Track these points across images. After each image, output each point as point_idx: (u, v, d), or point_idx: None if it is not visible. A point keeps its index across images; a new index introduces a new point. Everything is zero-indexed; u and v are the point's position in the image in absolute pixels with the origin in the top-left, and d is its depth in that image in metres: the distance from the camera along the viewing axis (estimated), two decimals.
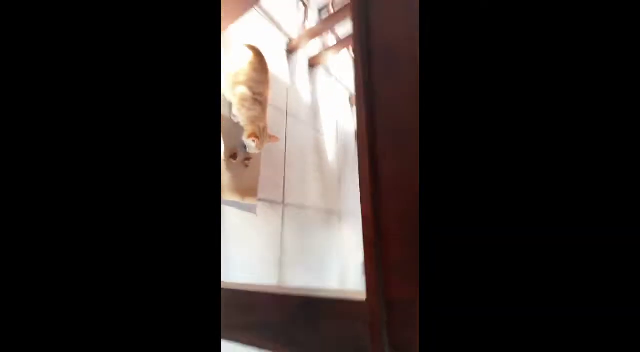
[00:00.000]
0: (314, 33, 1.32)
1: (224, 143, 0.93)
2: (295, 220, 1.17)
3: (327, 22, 1.30)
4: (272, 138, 0.93)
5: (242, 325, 0.45)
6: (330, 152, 1.51)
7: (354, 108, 1.84)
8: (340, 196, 1.51)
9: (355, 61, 0.37)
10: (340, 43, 1.47)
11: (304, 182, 1.28)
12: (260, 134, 0.88)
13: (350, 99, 1.83)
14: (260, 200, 1.02)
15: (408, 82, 0.32)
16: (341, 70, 1.79)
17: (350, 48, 1.83)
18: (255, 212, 0.99)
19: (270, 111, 0.94)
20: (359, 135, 0.37)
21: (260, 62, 0.91)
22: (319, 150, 1.42)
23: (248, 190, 0.97)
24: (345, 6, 1.20)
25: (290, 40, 1.34)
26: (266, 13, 1.26)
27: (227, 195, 0.90)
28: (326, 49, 1.49)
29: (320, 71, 1.56)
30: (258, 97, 0.88)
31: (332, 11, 1.54)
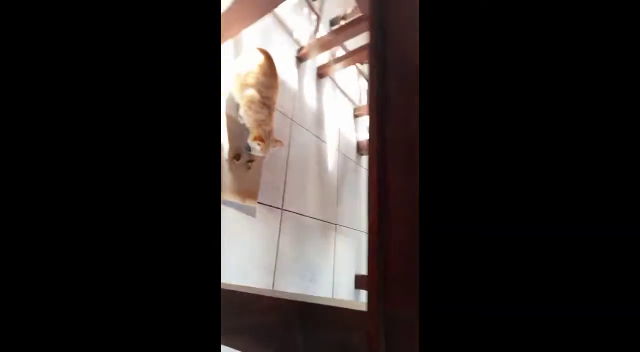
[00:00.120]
0: (324, 43, 1.34)
1: (229, 144, 0.93)
2: (292, 226, 1.17)
3: (338, 34, 1.32)
4: (277, 142, 0.93)
5: (234, 328, 0.44)
6: (331, 161, 1.52)
7: (357, 120, 1.86)
8: (338, 208, 1.50)
9: (370, 71, 0.38)
10: (349, 56, 1.49)
11: (304, 189, 1.27)
12: (266, 138, 0.89)
13: (354, 111, 1.85)
14: (259, 203, 1.01)
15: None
16: (347, 83, 1.82)
17: (358, 63, 1.86)
18: (254, 215, 0.98)
19: (275, 116, 0.94)
20: (369, 145, 0.37)
21: (270, 66, 0.92)
22: (320, 158, 1.42)
23: (249, 192, 0.97)
24: (356, 20, 1.22)
25: (301, 48, 1.36)
26: (279, 20, 1.28)
27: (227, 195, 0.90)
28: (335, 60, 1.51)
29: (327, 81, 1.58)
30: (266, 100, 0.89)
31: (342, 24, 1.57)
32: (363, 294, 1.57)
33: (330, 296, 1.38)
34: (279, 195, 1.13)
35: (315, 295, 1.26)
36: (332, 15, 1.70)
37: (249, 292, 0.44)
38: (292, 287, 1.13)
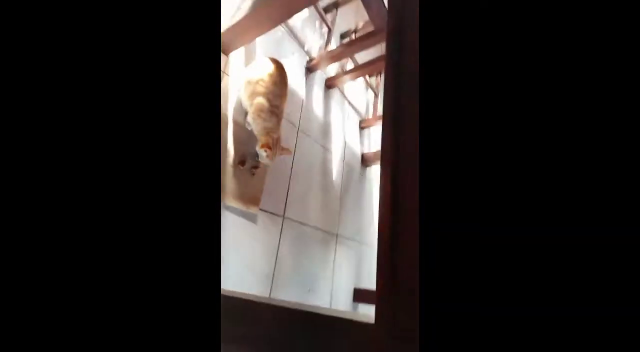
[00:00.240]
0: (334, 56, 1.36)
1: (234, 149, 0.93)
2: (293, 235, 1.16)
3: (348, 47, 1.34)
4: (284, 151, 0.93)
5: (234, 336, 0.42)
6: (335, 172, 1.52)
7: (363, 132, 1.87)
8: (340, 219, 1.49)
9: (386, 80, 0.38)
10: (358, 69, 1.51)
11: (307, 198, 1.27)
12: (273, 146, 0.89)
13: (360, 123, 1.86)
14: (261, 210, 1.01)
15: None
16: (355, 95, 1.84)
17: (367, 76, 1.89)
18: (255, 222, 0.97)
19: (283, 124, 0.95)
20: (382, 156, 0.36)
21: (280, 75, 0.93)
22: (324, 168, 1.42)
23: (251, 198, 0.96)
24: (367, 34, 1.24)
25: (311, 59, 1.38)
26: (291, 31, 1.30)
27: (230, 200, 0.89)
28: (344, 72, 1.53)
29: (335, 92, 1.59)
30: (275, 109, 0.89)
31: (353, 38, 1.60)
32: (361, 308, 1.54)
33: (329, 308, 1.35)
34: (281, 202, 1.12)
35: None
36: (343, 29, 1.73)
37: (251, 299, 0.43)
38: (290, 296, 1.11)
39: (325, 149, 1.45)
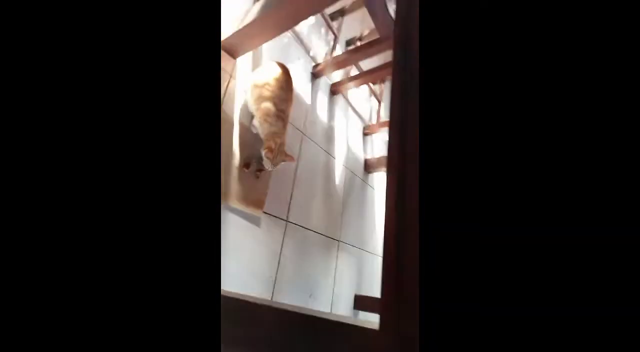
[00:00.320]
0: (339, 62, 1.38)
1: (240, 152, 0.94)
2: (295, 239, 1.15)
3: (353, 54, 1.36)
4: (288, 157, 0.93)
5: (235, 337, 0.42)
6: (339, 177, 1.52)
7: (366, 138, 1.88)
8: (342, 225, 1.49)
9: (393, 87, 0.39)
10: (363, 76, 1.52)
11: (310, 203, 1.27)
12: (275, 150, 0.89)
13: (363, 129, 1.87)
14: (265, 213, 1.01)
15: None
16: (359, 101, 1.85)
17: (371, 83, 1.90)
18: (258, 225, 0.98)
19: (287, 128, 0.95)
20: (389, 162, 0.36)
21: (287, 80, 0.94)
22: (328, 173, 1.43)
23: (255, 201, 0.97)
24: (372, 41, 1.25)
25: (317, 65, 1.39)
26: (298, 36, 1.32)
27: (234, 202, 0.89)
28: (349, 79, 1.55)
29: (339, 99, 1.61)
30: (281, 113, 0.90)
31: (358, 45, 1.61)
32: (362, 315, 1.52)
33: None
34: (284, 206, 1.12)
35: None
36: (349, 36, 1.75)
37: (253, 301, 0.43)
38: (291, 301, 1.10)
39: (329, 154, 1.45)
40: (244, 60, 1.02)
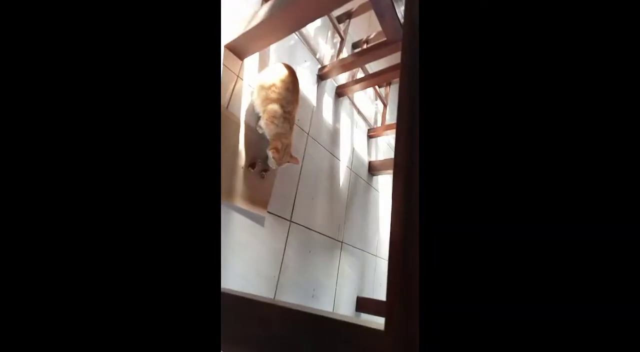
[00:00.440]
0: (345, 65, 1.38)
1: (245, 152, 0.94)
2: (299, 240, 1.16)
3: (359, 57, 1.36)
4: (293, 159, 0.94)
5: (238, 336, 0.43)
6: (343, 179, 1.52)
7: (371, 141, 1.88)
8: (346, 226, 1.49)
9: (401, 91, 0.39)
10: (368, 79, 1.53)
11: (314, 203, 1.27)
12: (282, 151, 0.90)
13: (368, 131, 1.87)
14: (269, 212, 1.02)
15: None
16: (364, 104, 1.85)
17: (376, 86, 1.90)
18: (262, 224, 0.98)
19: (293, 129, 0.96)
20: (395, 165, 0.37)
21: (293, 82, 0.95)
22: (332, 175, 1.43)
23: (260, 201, 0.97)
24: (378, 44, 1.26)
25: (323, 67, 1.40)
26: (305, 39, 1.33)
27: (239, 202, 0.90)
28: (354, 81, 1.55)
29: (345, 101, 1.61)
30: (287, 115, 0.91)
31: (365, 47, 1.62)
32: (364, 318, 1.52)
33: None
34: (288, 206, 1.13)
35: None
36: (356, 39, 1.76)
37: (258, 299, 0.43)
38: (293, 301, 1.10)
39: (334, 156, 1.46)
40: (251, 62, 1.03)
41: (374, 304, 1.50)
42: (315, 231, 1.27)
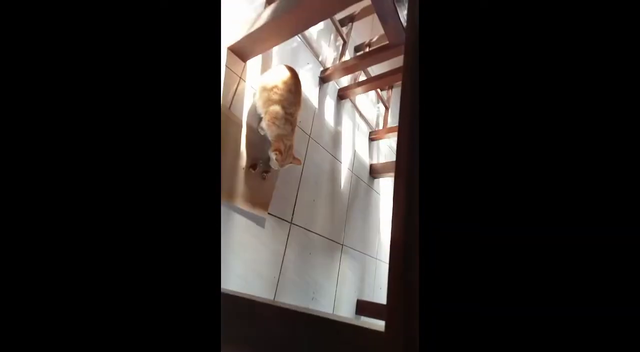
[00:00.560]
0: (348, 67, 1.39)
1: (247, 153, 0.95)
2: (299, 241, 1.16)
3: (361, 60, 1.37)
4: (296, 160, 0.94)
5: (238, 336, 0.43)
6: (344, 181, 1.52)
7: (372, 144, 1.88)
8: (346, 229, 1.49)
9: (403, 94, 0.39)
10: (370, 82, 1.53)
11: (315, 205, 1.27)
12: (284, 151, 0.90)
13: (369, 134, 1.87)
14: (270, 214, 1.02)
15: None
16: (366, 107, 1.85)
17: (378, 89, 1.91)
18: (263, 226, 0.98)
19: (295, 131, 0.96)
20: (397, 167, 0.37)
21: (295, 84, 0.96)
22: (333, 177, 1.43)
23: (261, 202, 0.97)
24: (380, 48, 1.26)
25: (325, 69, 1.40)
26: (307, 41, 1.33)
27: (240, 203, 0.90)
28: (356, 84, 1.56)
29: (347, 103, 1.62)
30: (289, 117, 0.91)
31: (367, 51, 1.62)
32: (364, 320, 1.51)
33: None
34: (289, 208, 1.13)
35: None
36: (358, 42, 1.76)
37: (258, 300, 0.43)
38: (293, 303, 1.10)
39: (335, 158, 1.46)
40: (254, 64, 1.04)
41: (374, 307, 1.49)
42: (316, 233, 1.27)
